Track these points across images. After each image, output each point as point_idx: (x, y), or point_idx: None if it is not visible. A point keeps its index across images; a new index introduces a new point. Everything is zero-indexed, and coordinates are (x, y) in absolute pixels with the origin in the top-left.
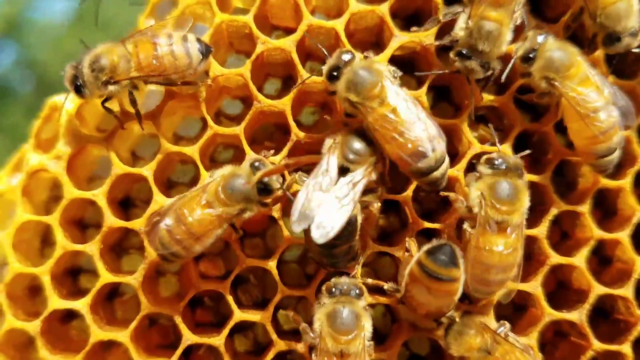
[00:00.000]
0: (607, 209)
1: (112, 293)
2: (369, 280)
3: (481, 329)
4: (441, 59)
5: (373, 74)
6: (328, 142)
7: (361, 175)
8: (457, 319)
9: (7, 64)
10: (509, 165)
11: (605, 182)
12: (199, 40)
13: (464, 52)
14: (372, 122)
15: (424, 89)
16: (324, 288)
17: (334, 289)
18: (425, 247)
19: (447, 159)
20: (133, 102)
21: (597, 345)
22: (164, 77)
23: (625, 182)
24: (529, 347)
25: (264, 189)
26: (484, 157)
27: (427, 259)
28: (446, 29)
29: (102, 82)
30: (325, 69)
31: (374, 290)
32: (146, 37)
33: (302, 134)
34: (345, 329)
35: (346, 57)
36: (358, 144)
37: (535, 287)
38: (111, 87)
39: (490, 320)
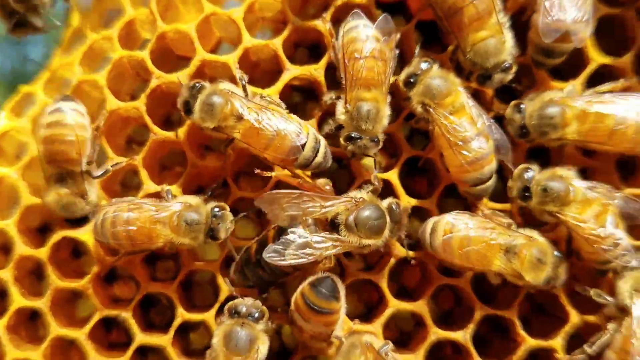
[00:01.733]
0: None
1: (34, 314)
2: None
3: (365, 348)
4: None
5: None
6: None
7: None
8: (344, 339)
9: None
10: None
11: None
12: None
13: (353, 135)
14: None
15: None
16: (226, 308)
17: (234, 311)
18: (309, 279)
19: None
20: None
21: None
22: None
23: None
24: None
25: (212, 235)
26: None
27: (309, 291)
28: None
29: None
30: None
31: (271, 310)
32: None
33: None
34: (238, 350)
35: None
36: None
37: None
38: None
39: (377, 339)
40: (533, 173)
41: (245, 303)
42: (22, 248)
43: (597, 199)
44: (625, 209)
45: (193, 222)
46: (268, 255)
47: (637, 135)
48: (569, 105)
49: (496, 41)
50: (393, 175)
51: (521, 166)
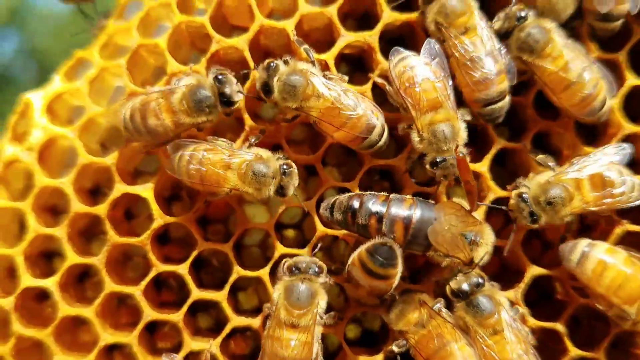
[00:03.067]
0: None
1: (82, 275)
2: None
3: (419, 305)
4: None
5: (300, 76)
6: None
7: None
8: (398, 297)
9: (9, 53)
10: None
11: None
12: None
13: (438, 159)
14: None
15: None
16: (286, 266)
17: (294, 267)
18: (367, 245)
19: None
20: None
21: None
22: None
23: None
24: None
25: (281, 191)
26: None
27: (366, 257)
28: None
29: None
30: (257, 86)
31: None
32: None
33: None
34: (299, 304)
35: (271, 66)
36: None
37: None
38: None
39: (429, 297)
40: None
41: (305, 259)
42: (78, 205)
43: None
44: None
45: (259, 174)
46: None
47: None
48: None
49: None
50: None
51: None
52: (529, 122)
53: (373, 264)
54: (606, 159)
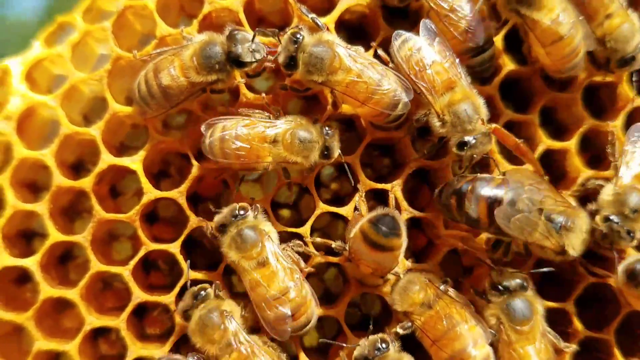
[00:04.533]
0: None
1: (64, 256)
2: (318, 239)
3: (425, 285)
4: (389, 22)
5: (327, 48)
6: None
7: None
8: (402, 276)
9: None
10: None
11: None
12: None
13: (465, 140)
14: (341, 92)
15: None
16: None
17: (220, 227)
18: (369, 216)
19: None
20: None
21: None
22: None
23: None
24: (469, 303)
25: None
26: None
27: (369, 228)
28: None
29: None
30: (281, 60)
31: (324, 250)
32: None
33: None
34: (246, 245)
35: (297, 37)
36: None
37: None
38: None
39: (435, 277)
40: None
41: (222, 215)
42: (60, 179)
43: None
44: None
45: (306, 140)
46: None
47: None
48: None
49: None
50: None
51: None
52: (536, 95)
53: (376, 235)
54: None
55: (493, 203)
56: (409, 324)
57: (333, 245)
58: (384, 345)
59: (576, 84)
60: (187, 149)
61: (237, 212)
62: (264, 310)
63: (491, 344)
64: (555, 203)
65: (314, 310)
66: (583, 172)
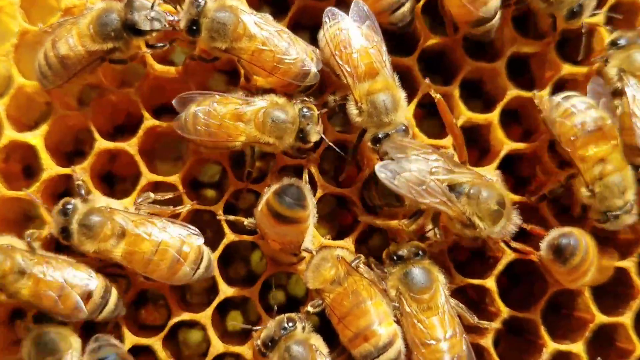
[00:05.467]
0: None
1: None
2: (230, 217)
3: (337, 262)
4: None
5: (230, 13)
6: None
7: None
8: (315, 253)
9: None
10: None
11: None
12: None
13: (380, 135)
14: (247, 60)
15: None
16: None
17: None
18: (274, 187)
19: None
20: None
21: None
22: None
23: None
24: (380, 280)
25: (302, 137)
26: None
27: (274, 200)
28: None
29: None
30: (182, 25)
31: (239, 228)
32: None
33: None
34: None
35: (199, 2)
36: None
37: None
38: None
39: (348, 253)
40: None
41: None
42: None
43: None
44: None
45: (279, 120)
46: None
47: None
48: None
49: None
50: None
51: None
52: (458, 67)
53: (280, 205)
54: None
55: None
56: (320, 302)
57: (245, 222)
58: (290, 325)
59: (501, 53)
60: (90, 122)
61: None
62: None
63: (399, 322)
64: (448, 172)
65: None
66: (506, 145)
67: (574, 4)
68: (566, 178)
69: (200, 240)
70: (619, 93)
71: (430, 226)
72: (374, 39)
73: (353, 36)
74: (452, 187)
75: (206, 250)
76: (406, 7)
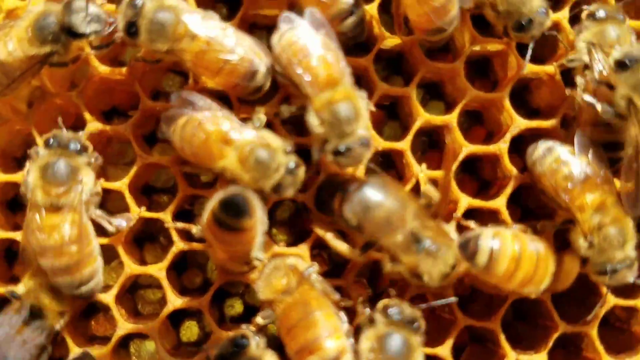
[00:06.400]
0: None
1: None
2: (179, 224)
3: (289, 271)
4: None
5: (169, 13)
6: None
7: None
8: (267, 262)
9: None
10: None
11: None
12: None
13: (340, 149)
14: (191, 61)
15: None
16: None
17: (50, 140)
18: (219, 195)
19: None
20: None
21: None
22: None
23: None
24: (334, 291)
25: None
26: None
27: (218, 208)
28: None
29: None
30: (120, 27)
31: (188, 236)
32: None
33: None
34: (56, 180)
35: (136, 2)
36: None
37: None
38: None
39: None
40: None
41: (65, 134)
42: None
43: None
44: None
45: (263, 163)
46: None
47: None
48: None
49: None
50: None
51: None
52: (416, 67)
53: (224, 214)
54: None
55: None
56: (270, 312)
57: (193, 230)
58: (243, 342)
59: (461, 53)
60: (33, 127)
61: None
62: None
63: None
64: (423, 224)
65: None
66: (465, 147)
67: (522, 18)
68: (562, 223)
69: None
70: (585, 67)
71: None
72: (331, 47)
73: (311, 44)
74: (415, 236)
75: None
76: (356, 16)
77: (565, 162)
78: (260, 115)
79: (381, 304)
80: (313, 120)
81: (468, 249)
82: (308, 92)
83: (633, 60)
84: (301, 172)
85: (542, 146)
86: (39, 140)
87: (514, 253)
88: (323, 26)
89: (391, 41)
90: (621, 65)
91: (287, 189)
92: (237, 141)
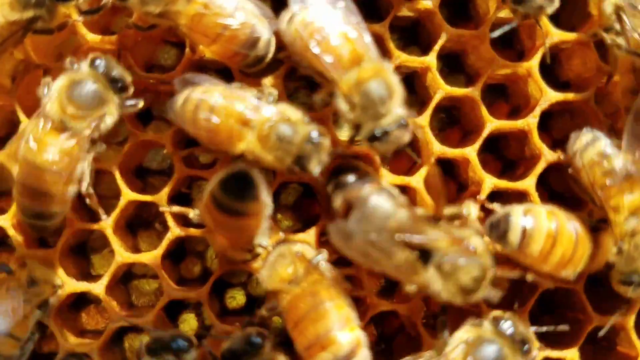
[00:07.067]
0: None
1: None
2: (175, 208)
3: (296, 259)
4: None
5: None
6: None
7: None
8: (272, 249)
9: None
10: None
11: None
12: None
13: (376, 133)
14: (187, 26)
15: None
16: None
17: (97, 61)
18: (219, 174)
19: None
20: None
21: None
22: None
23: None
24: (344, 280)
25: (300, 164)
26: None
27: (218, 190)
28: None
29: None
30: None
31: (185, 222)
32: None
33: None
34: (79, 102)
35: None
36: None
37: None
38: None
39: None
40: None
41: (115, 65)
42: None
43: None
44: None
45: (285, 139)
46: None
47: None
48: None
49: None
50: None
51: None
52: (437, 34)
53: (225, 196)
54: None
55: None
56: (275, 303)
57: (190, 215)
58: (258, 341)
59: (484, 20)
60: (16, 102)
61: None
62: None
63: None
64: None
65: None
66: (489, 122)
67: None
68: (597, 221)
69: None
70: (615, 32)
71: None
72: (352, 21)
73: (328, 21)
74: (422, 252)
75: None
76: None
77: (608, 155)
78: (271, 90)
79: (494, 314)
80: (343, 106)
81: (498, 229)
82: (332, 75)
83: None
84: (326, 142)
85: (585, 136)
86: (23, 117)
87: (549, 231)
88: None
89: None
90: None
91: (311, 161)
92: (254, 120)
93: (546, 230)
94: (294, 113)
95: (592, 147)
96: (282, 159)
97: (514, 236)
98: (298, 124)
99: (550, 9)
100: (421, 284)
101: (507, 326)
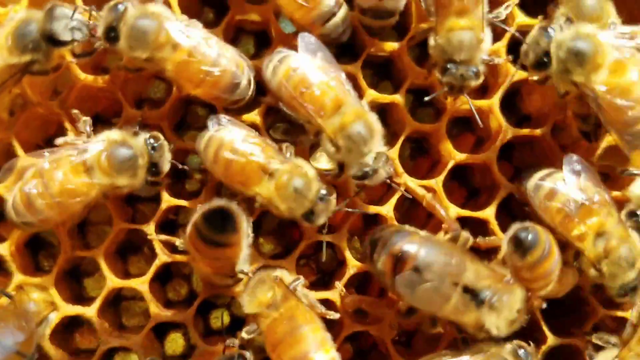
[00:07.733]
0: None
1: None
2: (162, 237)
3: (274, 283)
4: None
5: (152, 20)
6: None
7: None
8: (252, 274)
9: None
10: None
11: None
12: None
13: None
14: (172, 71)
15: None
16: None
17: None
18: (202, 208)
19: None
20: None
21: None
22: None
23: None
24: (319, 305)
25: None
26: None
27: (202, 222)
28: None
29: None
30: (100, 31)
31: (172, 247)
32: None
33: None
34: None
35: (119, 8)
36: None
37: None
38: None
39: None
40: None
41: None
42: None
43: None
44: None
45: (302, 193)
46: None
47: None
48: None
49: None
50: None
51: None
52: (406, 74)
53: (208, 229)
54: None
55: (399, 261)
56: (255, 327)
57: (177, 243)
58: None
59: None
60: (13, 136)
61: None
62: None
63: None
64: (477, 274)
65: None
66: (456, 155)
67: None
68: (573, 256)
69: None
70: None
71: None
72: (330, 69)
73: (309, 73)
74: (471, 291)
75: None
76: (339, 18)
77: (555, 195)
78: (289, 146)
79: (515, 343)
80: (329, 148)
81: (523, 243)
82: (318, 122)
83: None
84: (333, 199)
85: (532, 182)
86: (20, 152)
87: (554, 250)
88: (318, 50)
89: (377, 47)
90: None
91: (319, 216)
92: (275, 170)
93: (552, 250)
94: (309, 169)
95: (539, 191)
96: (294, 210)
97: (538, 252)
98: (312, 180)
99: (474, 83)
100: (474, 321)
101: (525, 354)
